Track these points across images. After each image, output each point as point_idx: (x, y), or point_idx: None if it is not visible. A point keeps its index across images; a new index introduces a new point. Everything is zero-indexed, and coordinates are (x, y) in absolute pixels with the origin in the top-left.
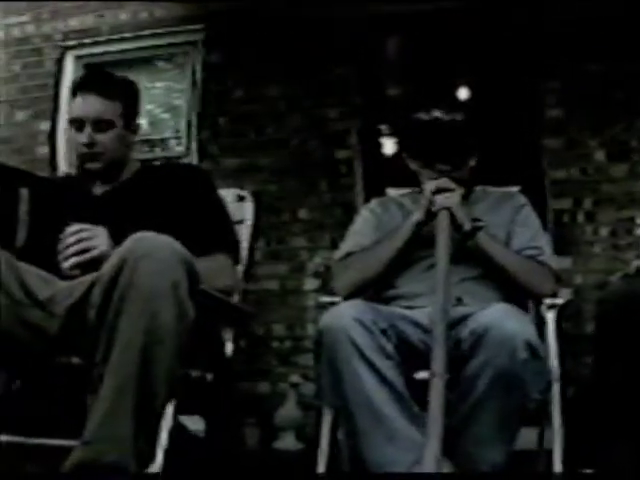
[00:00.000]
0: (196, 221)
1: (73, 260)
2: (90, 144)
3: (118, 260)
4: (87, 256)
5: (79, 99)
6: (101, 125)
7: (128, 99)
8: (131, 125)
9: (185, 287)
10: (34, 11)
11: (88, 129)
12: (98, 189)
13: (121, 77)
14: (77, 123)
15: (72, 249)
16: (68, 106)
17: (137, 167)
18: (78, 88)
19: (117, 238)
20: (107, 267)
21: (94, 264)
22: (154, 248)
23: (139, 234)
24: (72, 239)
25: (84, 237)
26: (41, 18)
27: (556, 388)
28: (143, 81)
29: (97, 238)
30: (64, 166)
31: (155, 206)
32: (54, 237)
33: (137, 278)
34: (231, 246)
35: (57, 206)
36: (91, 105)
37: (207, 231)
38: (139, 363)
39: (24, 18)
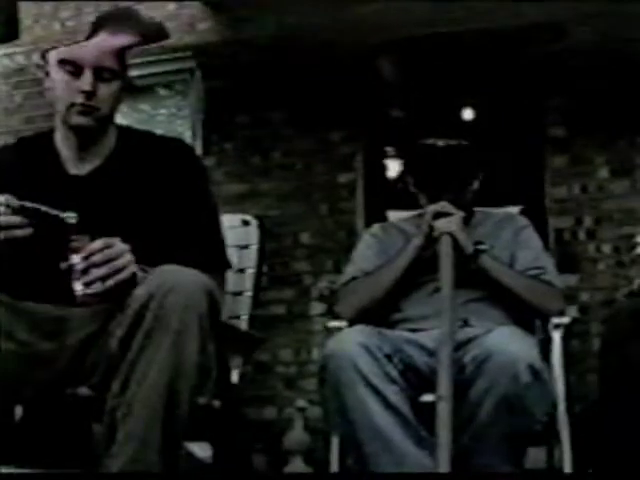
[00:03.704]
0: (184, 231)
1: (99, 285)
2: (91, 93)
3: (144, 294)
4: (118, 279)
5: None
6: (104, 73)
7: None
8: (126, 79)
9: (208, 321)
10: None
11: (89, 75)
12: (74, 165)
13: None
14: (72, 66)
15: (99, 272)
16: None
17: (115, 134)
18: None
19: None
20: (132, 300)
21: (120, 287)
22: (181, 282)
23: (164, 267)
24: (99, 258)
25: (112, 256)
26: (33, 48)
27: (562, 408)
28: (146, 108)
29: (124, 256)
30: None
31: (141, 201)
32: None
33: (165, 313)
34: (220, 263)
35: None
36: (94, 47)
37: (195, 246)
38: (166, 397)
39: (14, 49)
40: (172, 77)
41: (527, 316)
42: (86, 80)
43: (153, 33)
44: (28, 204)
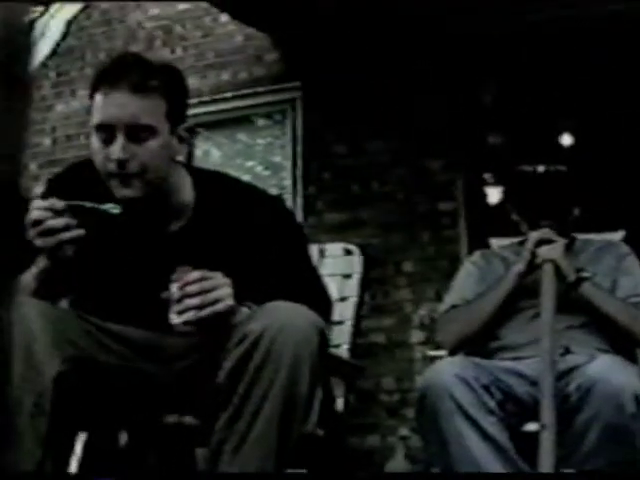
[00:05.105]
0: (280, 281)
1: (192, 314)
2: (123, 161)
3: (257, 329)
4: (211, 310)
5: (104, 97)
6: (138, 133)
7: (173, 92)
8: (178, 129)
9: (318, 357)
10: None
11: (121, 139)
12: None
13: (159, 62)
14: (105, 132)
15: (192, 301)
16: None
17: (191, 188)
18: (102, 81)
19: None
20: (245, 334)
21: (215, 319)
22: (294, 319)
23: (277, 303)
24: (194, 288)
25: (208, 287)
26: None
27: None
28: (244, 138)
29: (221, 289)
30: None
31: (235, 254)
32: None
33: (277, 348)
34: (325, 302)
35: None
36: (123, 105)
37: (292, 292)
38: (279, 431)
39: None
40: (271, 108)
41: (628, 344)
42: (117, 146)
43: (156, 82)
44: (72, 203)
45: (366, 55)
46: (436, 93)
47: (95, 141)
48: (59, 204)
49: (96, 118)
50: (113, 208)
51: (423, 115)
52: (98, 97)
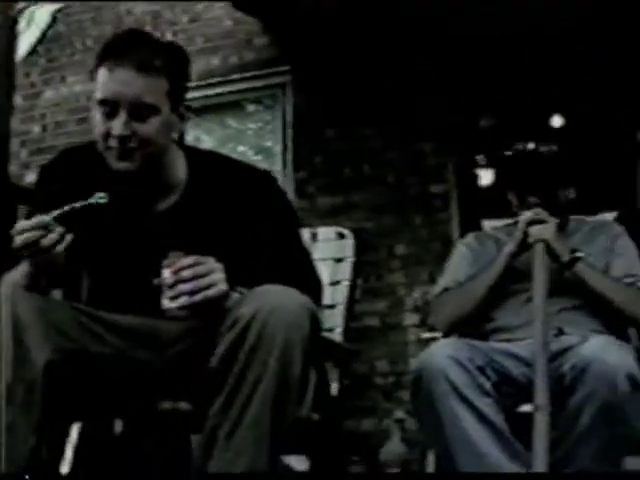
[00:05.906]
0: (271, 261)
1: (185, 300)
2: (124, 137)
3: (248, 313)
4: (204, 295)
5: (109, 73)
6: (141, 111)
7: (175, 71)
8: (179, 107)
9: (310, 340)
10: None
11: (123, 116)
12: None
13: (164, 41)
14: (107, 106)
15: (186, 286)
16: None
17: (184, 165)
18: (108, 56)
19: None
20: (236, 318)
21: (208, 304)
22: (285, 302)
23: (268, 287)
24: (187, 273)
25: (201, 273)
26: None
27: None
28: (234, 124)
29: (214, 274)
30: None
31: (225, 232)
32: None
33: (268, 332)
34: (314, 284)
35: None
36: (127, 83)
37: (287, 271)
38: (273, 415)
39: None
40: (261, 92)
41: (622, 324)
42: (119, 122)
43: (160, 62)
44: (58, 213)
45: (357, 44)
46: (427, 75)
47: (96, 114)
48: (45, 219)
49: (100, 93)
50: (100, 198)
51: (414, 99)
52: (102, 71)
